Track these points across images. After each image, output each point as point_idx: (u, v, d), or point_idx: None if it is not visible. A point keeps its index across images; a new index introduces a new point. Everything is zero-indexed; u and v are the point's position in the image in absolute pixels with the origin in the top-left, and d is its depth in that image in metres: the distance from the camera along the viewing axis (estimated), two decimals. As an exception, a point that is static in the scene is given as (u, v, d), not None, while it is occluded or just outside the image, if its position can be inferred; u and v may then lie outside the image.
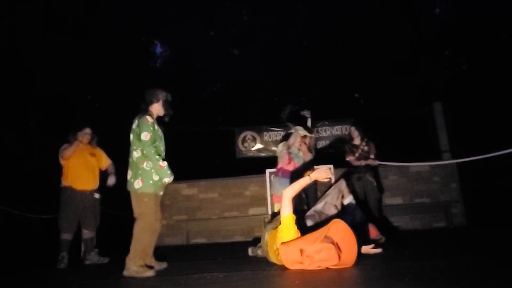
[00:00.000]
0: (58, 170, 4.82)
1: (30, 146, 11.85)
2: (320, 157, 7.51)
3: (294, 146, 5.10)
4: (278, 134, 8.00)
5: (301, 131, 5.16)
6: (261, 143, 8.01)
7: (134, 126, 3.59)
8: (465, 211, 7.01)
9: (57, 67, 13.13)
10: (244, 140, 8.05)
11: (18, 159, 11.33)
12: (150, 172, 3.49)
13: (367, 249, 3.41)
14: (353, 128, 6.16)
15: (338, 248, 2.87)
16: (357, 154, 5.96)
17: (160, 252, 5.54)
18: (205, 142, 11.99)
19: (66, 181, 4.73)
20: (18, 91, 12.08)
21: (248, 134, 8.08)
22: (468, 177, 7.69)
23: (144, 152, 3.46)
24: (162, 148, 3.76)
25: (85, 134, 4.91)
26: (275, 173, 5.23)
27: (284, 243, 2.99)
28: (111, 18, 15.08)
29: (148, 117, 3.58)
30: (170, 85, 16.16)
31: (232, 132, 8.18)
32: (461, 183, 7.19)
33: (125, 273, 3.30)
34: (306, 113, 6.29)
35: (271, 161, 7.79)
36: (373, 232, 4.50)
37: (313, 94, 16.29)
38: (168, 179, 3.53)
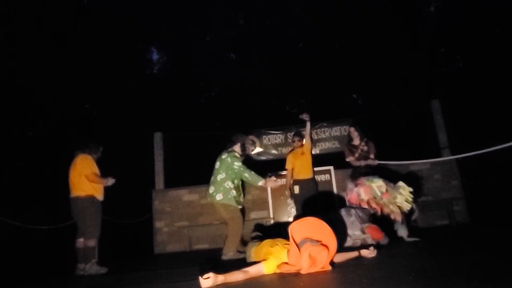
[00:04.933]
0: (58, 180, 4.79)
1: (30, 157, 11.84)
2: (320, 158, 7.53)
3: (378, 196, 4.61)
4: (277, 137, 7.99)
5: (399, 199, 4.44)
6: (261, 147, 7.99)
7: (223, 157, 5.02)
8: (467, 208, 7.00)
9: (55, 76, 13.13)
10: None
11: (17, 170, 11.32)
12: (229, 189, 4.93)
13: (365, 252, 3.42)
14: (352, 129, 6.16)
15: (322, 244, 2.90)
16: (356, 155, 5.96)
17: (163, 259, 5.54)
18: (205, 147, 12.00)
19: (87, 191, 4.72)
20: (16, 102, 12.08)
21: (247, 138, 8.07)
22: (469, 174, 7.70)
23: (246, 175, 4.93)
24: (236, 177, 5.04)
25: (100, 151, 5.11)
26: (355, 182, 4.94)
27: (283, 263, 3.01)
28: (108, 26, 15.10)
29: (236, 153, 5.08)
30: (168, 91, 16.26)
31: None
32: (462, 180, 7.18)
33: (225, 257, 4.78)
34: (305, 117, 6.30)
35: (271, 164, 7.79)
36: (376, 233, 4.49)
37: (311, 95, 16.31)
38: (262, 182, 4.91)
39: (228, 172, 4.96)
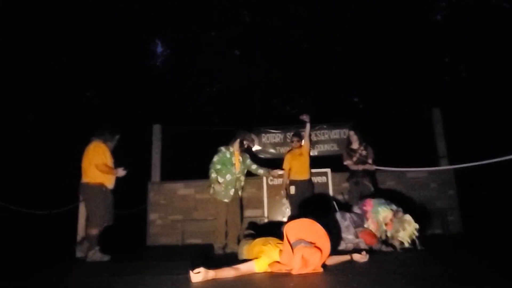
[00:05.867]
0: (58, 167, 4.79)
1: (29, 142, 11.82)
2: (317, 160, 7.51)
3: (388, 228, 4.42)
4: (276, 136, 7.97)
5: (401, 234, 4.27)
6: (259, 145, 7.97)
7: None
8: (461, 219, 7.00)
9: (57, 63, 13.11)
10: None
11: (17, 156, 11.31)
12: (217, 184, 5.11)
13: (357, 257, 3.43)
14: (352, 132, 6.17)
15: (316, 246, 2.92)
16: (355, 159, 5.96)
17: (155, 252, 5.53)
18: (203, 142, 11.97)
19: (96, 179, 4.75)
20: (17, 87, 12.06)
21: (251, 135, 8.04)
22: (466, 184, 7.70)
23: (211, 169, 5.21)
24: (227, 172, 5.24)
25: (115, 140, 5.12)
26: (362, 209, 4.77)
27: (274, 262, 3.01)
28: (113, 15, 15.07)
29: (223, 148, 5.35)
30: (169, 85, 16.23)
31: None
32: (458, 190, 7.18)
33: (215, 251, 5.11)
34: (305, 118, 6.29)
35: (269, 163, 7.78)
36: (370, 238, 4.48)
37: (312, 96, 16.29)
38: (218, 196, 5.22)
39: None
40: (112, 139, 5.04)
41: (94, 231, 4.68)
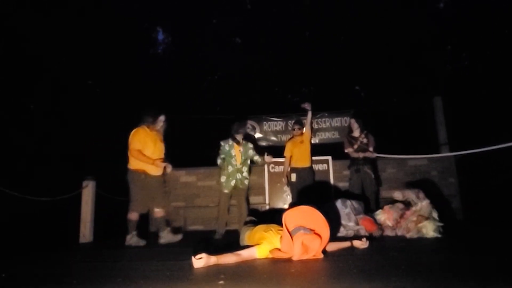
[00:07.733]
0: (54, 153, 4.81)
1: (30, 129, 11.85)
2: (318, 148, 7.54)
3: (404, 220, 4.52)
4: (278, 124, 7.99)
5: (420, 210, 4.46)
6: (261, 133, 7.99)
7: None
8: (461, 206, 7.04)
9: (59, 51, 13.07)
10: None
11: (17, 143, 11.34)
12: (221, 175, 5.47)
13: (358, 243, 3.47)
14: (353, 120, 6.18)
15: (315, 233, 2.97)
16: (355, 146, 5.98)
17: (158, 238, 5.59)
18: (205, 130, 11.99)
19: (135, 165, 4.77)
20: (19, 75, 12.04)
21: (248, 123, 8.06)
22: (466, 172, 7.71)
23: None
24: (228, 164, 5.46)
25: (160, 121, 5.07)
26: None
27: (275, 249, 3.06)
28: (114, 1, 14.97)
29: (222, 142, 5.51)
30: (171, 72, 16.14)
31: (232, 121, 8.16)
32: (459, 178, 7.20)
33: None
34: (307, 106, 6.29)
35: (270, 150, 7.79)
36: (370, 225, 4.53)
37: (314, 85, 16.24)
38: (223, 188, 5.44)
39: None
40: (155, 121, 4.97)
41: (133, 216, 4.80)
